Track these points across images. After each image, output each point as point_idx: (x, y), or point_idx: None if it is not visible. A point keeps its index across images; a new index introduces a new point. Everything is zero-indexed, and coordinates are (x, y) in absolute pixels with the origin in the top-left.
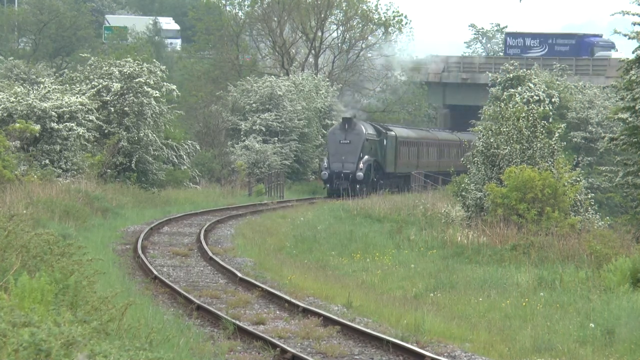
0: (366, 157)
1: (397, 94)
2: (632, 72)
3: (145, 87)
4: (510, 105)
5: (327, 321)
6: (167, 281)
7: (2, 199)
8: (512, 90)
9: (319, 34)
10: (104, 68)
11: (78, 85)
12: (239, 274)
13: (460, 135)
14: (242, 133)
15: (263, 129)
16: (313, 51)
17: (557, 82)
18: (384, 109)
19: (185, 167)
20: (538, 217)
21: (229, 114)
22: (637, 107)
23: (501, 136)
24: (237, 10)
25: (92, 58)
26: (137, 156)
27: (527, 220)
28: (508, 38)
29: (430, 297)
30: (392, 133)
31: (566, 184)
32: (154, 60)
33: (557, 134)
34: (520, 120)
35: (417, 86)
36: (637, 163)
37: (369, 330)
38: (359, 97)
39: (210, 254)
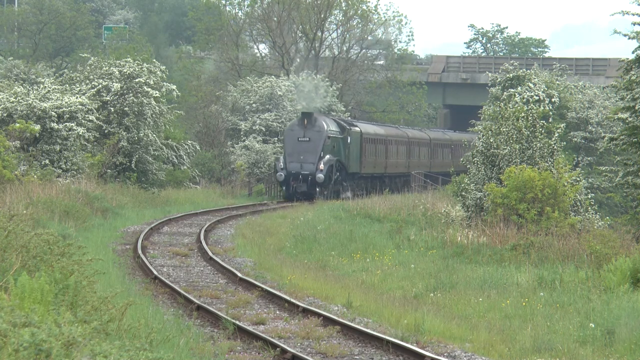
0: (328, 156)
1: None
2: (632, 72)
3: (145, 87)
4: (510, 105)
5: (327, 321)
6: (167, 281)
7: (2, 199)
8: (512, 90)
9: (319, 34)
10: (104, 68)
11: (78, 85)
12: (239, 274)
13: (431, 134)
14: (242, 133)
15: (263, 129)
16: (313, 51)
17: (557, 82)
18: (384, 109)
19: (185, 167)
20: (538, 217)
21: (229, 114)
22: (637, 107)
23: (501, 136)
24: (236, 10)
25: (92, 58)
26: (137, 156)
27: (527, 220)
28: None
29: (430, 297)
30: (357, 129)
31: (566, 184)
32: (154, 60)
33: (556, 134)
34: (520, 120)
35: (417, 86)
36: (637, 163)
37: (369, 330)
38: (360, 98)
39: (210, 254)
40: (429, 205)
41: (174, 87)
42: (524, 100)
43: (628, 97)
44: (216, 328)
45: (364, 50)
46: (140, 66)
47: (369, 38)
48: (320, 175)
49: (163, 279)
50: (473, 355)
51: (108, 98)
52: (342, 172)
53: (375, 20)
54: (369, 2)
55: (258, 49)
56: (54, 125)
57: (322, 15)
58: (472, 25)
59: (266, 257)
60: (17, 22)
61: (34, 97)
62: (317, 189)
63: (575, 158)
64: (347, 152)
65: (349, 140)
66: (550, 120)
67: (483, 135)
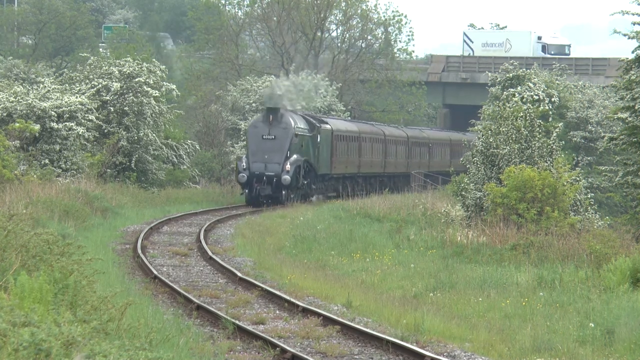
0: (295, 156)
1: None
2: (632, 71)
3: (144, 87)
4: (509, 104)
5: (327, 321)
6: (166, 281)
7: (2, 199)
8: (512, 90)
9: (319, 34)
10: (104, 68)
11: (78, 85)
12: (239, 274)
13: (408, 131)
14: (242, 133)
15: None
16: (313, 51)
17: (557, 82)
18: (384, 108)
19: (185, 166)
20: (538, 216)
21: (229, 114)
22: (636, 107)
23: (500, 136)
24: (236, 10)
25: (92, 58)
26: (136, 156)
27: (526, 220)
28: None
29: (430, 297)
30: (328, 127)
31: (565, 183)
32: (154, 59)
33: (554, 134)
34: (518, 120)
35: (416, 86)
36: (636, 163)
37: (368, 330)
38: (360, 97)
39: (210, 253)
40: (429, 205)
41: (174, 86)
42: (524, 100)
43: (628, 96)
44: (216, 328)
45: (363, 50)
46: (140, 66)
47: (369, 38)
48: (287, 177)
49: (163, 278)
50: (473, 355)
51: (108, 98)
52: (310, 174)
53: (375, 20)
54: (369, 1)
55: (258, 48)
56: (54, 124)
57: (322, 15)
58: (471, 25)
59: (266, 256)
60: (17, 22)
61: (34, 96)
62: (283, 192)
63: (575, 158)
64: (316, 151)
65: (318, 139)
66: (550, 119)
67: (483, 135)
